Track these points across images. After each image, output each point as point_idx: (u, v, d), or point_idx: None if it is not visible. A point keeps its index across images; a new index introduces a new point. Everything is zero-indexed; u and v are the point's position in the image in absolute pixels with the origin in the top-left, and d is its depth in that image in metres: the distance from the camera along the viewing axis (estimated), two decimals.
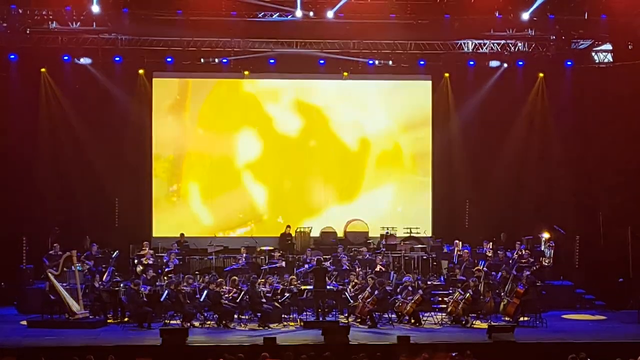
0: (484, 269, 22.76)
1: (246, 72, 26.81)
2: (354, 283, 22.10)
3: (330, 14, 24.26)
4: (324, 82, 27.96)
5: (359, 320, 21.25)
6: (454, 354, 16.07)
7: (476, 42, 26.23)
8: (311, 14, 24.41)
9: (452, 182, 27.97)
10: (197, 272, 23.63)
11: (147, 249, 24.50)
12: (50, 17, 24.48)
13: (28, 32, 24.75)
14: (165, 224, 27.32)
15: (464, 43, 26.28)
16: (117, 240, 25.29)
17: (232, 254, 25.02)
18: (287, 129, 27.88)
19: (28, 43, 25.22)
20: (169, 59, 26.25)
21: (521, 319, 21.24)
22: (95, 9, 23.70)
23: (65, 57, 25.91)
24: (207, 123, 27.77)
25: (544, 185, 27.57)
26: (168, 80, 27.73)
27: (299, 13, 24.23)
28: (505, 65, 26.92)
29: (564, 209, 26.77)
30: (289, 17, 24.80)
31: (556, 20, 25.14)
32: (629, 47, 25.33)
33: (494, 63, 26.77)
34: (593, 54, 26.64)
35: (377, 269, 23.29)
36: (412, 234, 26.63)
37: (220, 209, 27.72)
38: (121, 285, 21.78)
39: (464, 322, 21.16)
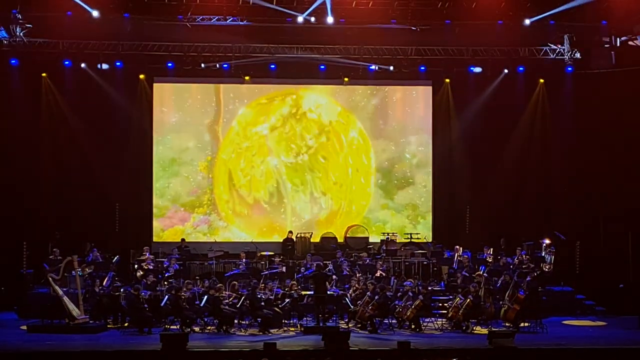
0: (485, 274, 22.74)
1: (247, 77, 26.82)
2: (354, 288, 22.08)
3: (330, 20, 24.33)
4: (324, 87, 27.97)
5: (359, 325, 21.22)
6: None
7: (477, 48, 26.26)
8: (312, 19, 24.45)
9: (453, 187, 28.00)
10: (197, 277, 23.61)
11: (147, 254, 24.51)
12: (51, 22, 24.48)
13: (29, 37, 24.78)
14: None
15: (465, 49, 26.32)
16: (117, 245, 25.32)
17: (233, 259, 25.02)
18: (286, 133, 27.91)
19: (29, 48, 25.27)
20: (169, 64, 26.28)
21: (521, 324, 21.21)
22: (96, 14, 23.73)
23: (66, 62, 25.94)
24: (208, 128, 27.83)
25: (545, 191, 27.58)
26: (169, 85, 27.76)
27: (300, 18, 24.32)
28: (506, 71, 26.96)
29: (565, 214, 26.76)
30: (290, 22, 24.87)
31: (557, 26, 25.17)
32: (629, 53, 25.31)
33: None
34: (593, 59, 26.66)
35: (378, 274, 23.29)
36: (412, 240, 26.65)
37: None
38: (121, 290, 21.76)
39: (464, 328, 21.13)
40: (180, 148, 27.65)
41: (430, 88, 28.03)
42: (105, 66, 25.93)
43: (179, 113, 27.75)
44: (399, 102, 28.21)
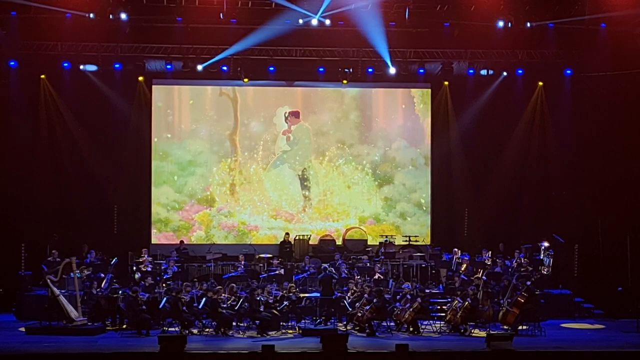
0: (483, 277, 22.74)
1: (245, 80, 26.80)
2: (352, 291, 22.08)
3: (327, 22, 24.35)
4: (323, 89, 27.97)
5: (358, 328, 21.21)
6: None
7: (476, 50, 26.28)
8: (313, 22, 24.45)
9: (451, 190, 28.00)
10: (195, 280, 23.60)
11: (145, 256, 24.51)
12: (50, 24, 24.48)
13: (28, 39, 24.78)
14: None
15: (464, 51, 26.33)
16: (115, 247, 25.28)
17: (231, 262, 25.01)
18: (284, 135, 27.92)
19: (28, 50, 25.27)
20: (168, 66, 26.26)
21: (520, 327, 21.21)
22: (95, 16, 23.72)
23: (65, 64, 25.92)
24: (207, 129, 27.85)
25: (543, 193, 27.58)
26: (167, 88, 27.75)
27: (300, 20, 24.33)
28: (505, 73, 26.97)
29: (563, 217, 26.76)
30: (289, 24, 24.88)
31: (556, 29, 25.19)
32: (628, 56, 25.31)
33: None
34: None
35: (376, 276, 23.29)
36: (410, 242, 26.67)
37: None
38: (120, 292, 21.74)
39: (462, 331, 21.14)
40: (197, 151, 27.73)
41: (429, 90, 28.04)
42: (91, 67, 25.87)
43: (198, 118, 27.83)
44: (397, 104, 28.21)
